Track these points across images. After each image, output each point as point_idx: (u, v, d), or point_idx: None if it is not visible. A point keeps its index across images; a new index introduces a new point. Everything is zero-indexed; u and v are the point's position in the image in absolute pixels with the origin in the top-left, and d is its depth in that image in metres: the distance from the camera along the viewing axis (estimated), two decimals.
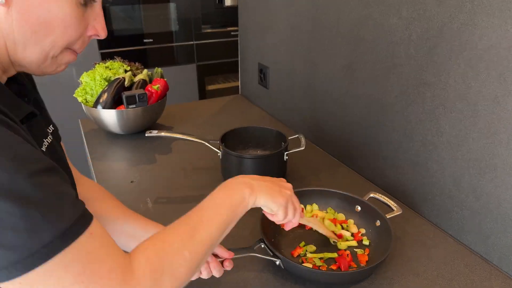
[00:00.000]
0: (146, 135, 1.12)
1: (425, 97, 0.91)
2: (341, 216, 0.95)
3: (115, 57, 1.50)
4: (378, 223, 0.89)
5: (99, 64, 1.43)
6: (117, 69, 1.43)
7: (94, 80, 1.36)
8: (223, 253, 0.74)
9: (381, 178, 1.10)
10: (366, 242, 0.89)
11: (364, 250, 0.87)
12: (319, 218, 0.93)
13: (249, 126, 1.21)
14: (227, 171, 1.11)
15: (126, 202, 1.05)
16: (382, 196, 0.94)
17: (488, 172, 0.81)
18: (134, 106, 1.32)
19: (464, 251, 0.88)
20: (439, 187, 0.93)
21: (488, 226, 0.83)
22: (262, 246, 0.81)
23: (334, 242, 0.89)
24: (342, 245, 0.88)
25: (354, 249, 0.87)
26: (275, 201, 0.66)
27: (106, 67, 1.43)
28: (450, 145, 0.88)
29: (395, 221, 0.96)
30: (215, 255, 0.74)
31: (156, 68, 1.51)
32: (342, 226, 0.93)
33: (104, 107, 1.34)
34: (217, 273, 0.73)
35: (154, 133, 1.12)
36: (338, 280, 0.80)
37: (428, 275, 0.82)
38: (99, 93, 1.36)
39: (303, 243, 0.89)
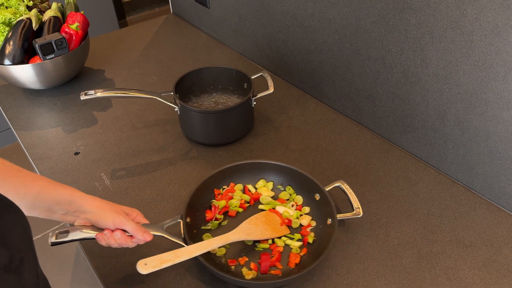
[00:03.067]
0: (81, 98, 0.91)
1: (409, 24, 0.81)
2: (299, 199, 0.83)
3: None
4: (329, 221, 0.75)
5: None
6: (16, 6, 1.10)
7: None
8: (136, 234, 0.65)
9: (354, 111, 1.03)
10: (310, 239, 0.75)
11: (301, 250, 0.74)
12: (266, 200, 0.83)
13: (203, 68, 1.03)
14: (189, 127, 0.97)
15: (77, 182, 0.90)
16: (348, 189, 0.79)
17: (479, 106, 0.77)
18: (53, 56, 1.06)
19: (447, 182, 0.88)
20: (421, 120, 0.88)
21: (473, 157, 0.82)
22: (181, 224, 0.72)
23: (256, 244, 0.76)
24: (279, 241, 0.76)
25: (291, 246, 0.75)
26: None
27: (0, 5, 1.10)
28: (437, 77, 0.81)
29: (373, 155, 0.93)
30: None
31: None
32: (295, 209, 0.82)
33: (13, 62, 1.06)
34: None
35: (91, 94, 0.91)
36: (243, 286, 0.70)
37: (419, 214, 0.81)
38: (0, 43, 1.06)
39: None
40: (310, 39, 1.05)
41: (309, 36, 1.04)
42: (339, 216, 0.74)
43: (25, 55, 1.08)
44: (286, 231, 0.77)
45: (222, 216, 0.80)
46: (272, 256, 0.73)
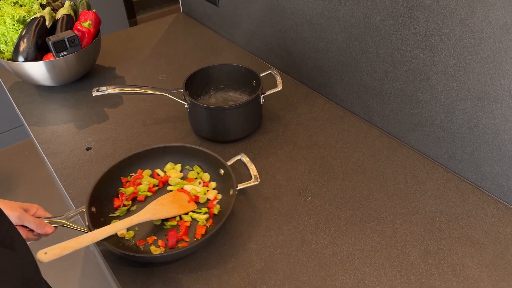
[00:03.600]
0: (93, 94, 0.93)
1: (418, 21, 0.81)
2: (206, 177, 0.87)
3: None
4: (231, 191, 0.80)
5: (4, 0, 1.12)
6: (30, 4, 1.13)
7: (4, 24, 1.07)
8: (37, 228, 0.67)
9: (362, 108, 1.04)
10: (215, 211, 0.80)
11: (207, 222, 0.79)
12: (174, 181, 0.86)
13: (212, 65, 1.04)
14: (198, 123, 0.98)
15: (88, 177, 0.91)
16: (248, 160, 0.85)
17: (487, 103, 0.77)
18: (65, 53, 1.08)
19: (455, 179, 0.88)
20: (430, 118, 0.89)
21: (482, 155, 0.82)
22: (83, 211, 0.74)
23: (163, 223, 0.79)
24: (186, 217, 0.79)
25: (198, 219, 0.79)
26: None
27: (15, 3, 1.12)
28: (445, 75, 0.81)
29: (381, 153, 0.93)
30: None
31: None
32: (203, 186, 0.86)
33: (27, 59, 1.08)
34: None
35: (103, 91, 0.93)
36: (150, 261, 0.73)
37: (427, 212, 0.82)
38: (15, 40, 1.08)
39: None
40: (319, 37, 1.05)
41: (318, 34, 1.05)
42: (240, 186, 0.79)
43: (38, 52, 1.10)
44: (194, 206, 0.81)
45: (130, 202, 0.82)
46: (179, 231, 0.76)
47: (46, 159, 0.98)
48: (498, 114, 0.76)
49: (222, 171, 0.85)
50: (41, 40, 1.10)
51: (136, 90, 0.94)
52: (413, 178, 0.89)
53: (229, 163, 0.84)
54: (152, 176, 0.87)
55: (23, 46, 1.07)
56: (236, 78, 1.05)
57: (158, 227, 0.78)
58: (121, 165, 0.84)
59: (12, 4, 1.12)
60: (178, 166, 0.88)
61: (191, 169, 0.88)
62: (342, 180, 0.89)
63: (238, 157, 0.85)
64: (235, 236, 0.78)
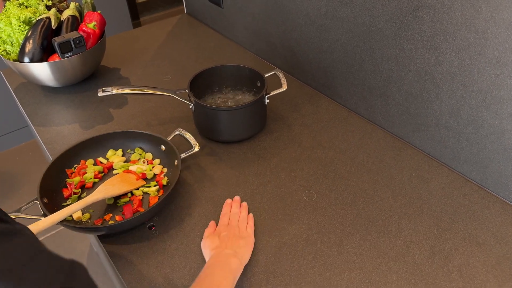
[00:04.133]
0: (99, 94, 0.93)
1: (423, 22, 0.81)
2: (148, 156, 0.92)
3: None
4: (176, 162, 0.85)
5: (9, 1, 1.13)
6: (36, 6, 1.13)
7: (10, 25, 1.08)
8: None
9: (367, 109, 1.04)
10: (164, 182, 0.86)
11: (158, 192, 0.84)
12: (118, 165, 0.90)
13: (217, 66, 1.05)
14: (203, 124, 0.99)
15: None
16: (186, 133, 0.92)
17: (493, 104, 0.77)
18: (71, 54, 1.09)
19: (461, 180, 0.88)
20: (435, 118, 0.89)
21: (487, 156, 0.82)
22: (36, 203, 0.77)
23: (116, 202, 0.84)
24: (137, 192, 0.84)
25: (149, 192, 0.84)
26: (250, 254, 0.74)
27: (21, 5, 1.13)
28: (451, 75, 0.81)
29: (386, 153, 0.93)
30: None
31: None
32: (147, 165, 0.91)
33: (32, 60, 1.09)
34: None
35: (108, 91, 0.93)
36: (111, 230, 0.77)
37: (432, 212, 0.81)
38: (21, 41, 1.09)
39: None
40: (323, 38, 1.05)
41: (322, 35, 1.05)
42: (183, 155, 0.86)
43: (44, 53, 1.11)
44: (142, 182, 0.86)
45: (79, 190, 0.85)
46: (134, 205, 0.81)
47: (51, 160, 0.98)
48: (503, 114, 0.76)
49: (163, 147, 0.90)
50: (46, 41, 1.11)
51: (141, 91, 0.94)
52: (418, 179, 0.89)
53: (169, 138, 0.90)
54: (95, 164, 0.91)
55: (28, 47, 1.08)
56: (240, 78, 1.06)
57: (112, 206, 0.82)
58: (63, 158, 0.87)
59: (18, 5, 1.13)
60: (120, 152, 0.93)
61: (133, 152, 0.93)
62: (347, 180, 0.89)
63: (176, 133, 0.92)
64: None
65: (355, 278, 0.70)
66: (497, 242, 0.75)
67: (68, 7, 1.20)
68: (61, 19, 1.15)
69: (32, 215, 0.74)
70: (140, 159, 0.91)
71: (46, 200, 0.78)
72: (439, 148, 0.91)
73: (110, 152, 0.92)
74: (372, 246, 0.75)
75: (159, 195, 0.83)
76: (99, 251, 0.86)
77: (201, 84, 1.03)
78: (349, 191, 0.86)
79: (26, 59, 1.09)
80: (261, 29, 1.26)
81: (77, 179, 0.86)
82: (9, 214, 0.71)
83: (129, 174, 0.86)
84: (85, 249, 1.80)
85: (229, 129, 0.96)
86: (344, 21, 0.97)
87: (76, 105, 1.14)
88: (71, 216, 0.78)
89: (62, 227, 0.76)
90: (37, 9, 1.14)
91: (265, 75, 1.00)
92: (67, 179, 0.86)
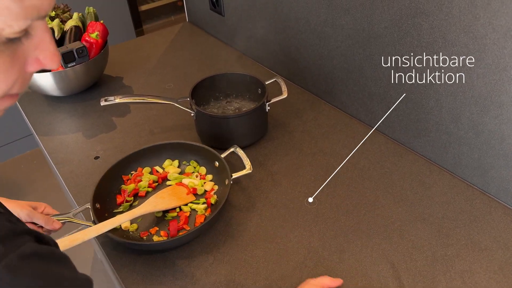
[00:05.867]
0: (101, 104, 0.94)
1: (422, 28, 0.81)
2: (202, 170, 0.91)
3: None
4: (226, 181, 0.84)
5: None
6: None
7: None
8: (45, 224, 0.70)
9: (367, 115, 1.04)
10: (213, 200, 0.84)
11: (206, 211, 0.82)
12: (173, 176, 0.89)
13: (218, 74, 1.06)
14: (205, 131, 0.99)
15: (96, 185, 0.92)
16: (241, 151, 0.88)
17: (493, 109, 0.77)
18: (74, 64, 1.10)
19: (462, 185, 0.88)
20: (435, 124, 0.89)
21: (489, 161, 0.82)
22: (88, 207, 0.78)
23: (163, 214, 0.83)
24: (185, 208, 0.83)
25: (197, 209, 0.83)
26: None
27: None
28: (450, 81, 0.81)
29: (387, 159, 0.93)
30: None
31: (87, 7, 1.24)
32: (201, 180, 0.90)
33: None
34: None
35: (111, 100, 0.94)
36: (154, 248, 0.76)
37: (434, 218, 0.81)
38: None
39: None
40: (323, 45, 1.06)
41: (322, 42, 1.06)
42: (234, 175, 0.83)
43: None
44: (192, 198, 0.84)
45: (132, 198, 0.85)
46: (180, 221, 0.80)
47: (54, 168, 0.99)
48: (503, 119, 0.76)
49: (217, 163, 0.88)
50: None
51: (143, 100, 0.95)
52: (420, 184, 0.89)
53: (223, 155, 0.88)
54: (151, 173, 0.91)
55: None
56: (241, 86, 1.06)
57: (160, 219, 0.82)
58: (121, 164, 0.88)
59: None
60: (176, 162, 0.93)
61: (188, 164, 0.93)
62: (348, 186, 0.89)
63: (231, 150, 0.89)
64: (242, 244, 0.78)
65: (357, 285, 0.70)
66: (499, 248, 0.75)
67: (71, 17, 1.22)
68: (64, 30, 1.17)
69: (82, 220, 0.76)
70: (193, 172, 0.91)
71: (98, 206, 0.79)
72: (440, 154, 0.91)
73: (167, 162, 0.92)
74: (374, 252, 0.75)
75: (206, 214, 0.81)
76: (103, 259, 0.86)
77: (202, 92, 1.04)
78: (350, 197, 0.86)
79: None
80: (262, 36, 1.27)
81: (131, 186, 0.86)
82: (60, 217, 0.73)
83: (180, 188, 0.85)
84: (89, 256, 1.81)
85: (231, 137, 0.97)
86: (343, 28, 0.98)
87: (79, 114, 1.15)
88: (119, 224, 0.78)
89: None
90: None
91: (266, 82, 1.01)
92: (122, 186, 0.87)
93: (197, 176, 0.89)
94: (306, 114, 1.10)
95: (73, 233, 0.69)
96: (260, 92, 1.03)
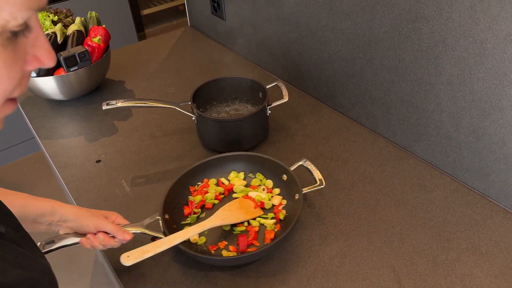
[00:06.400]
0: (103, 108, 0.95)
1: (422, 33, 0.82)
2: (269, 183, 0.88)
3: None
4: (297, 196, 0.81)
5: None
6: (42, 21, 1.16)
7: None
8: (117, 234, 0.70)
9: (368, 119, 1.04)
10: (282, 216, 0.81)
11: (275, 226, 0.80)
12: (239, 189, 0.87)
13: (219, 78, 1.06)
14: (206, 135, 1.00)
15: (98, 189, 0.93)
16: (311, 165, 0.85)
17: (493, 113, 0.77)
18: (76, 68, 1.11)
19: (463, 189, 0.88)
20: (436, 128, 0.89)
21: (489, 165, 0.82)
22: (160, 221, 0.77)
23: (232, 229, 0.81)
24: (254, 222, 0.81)
25: (266, 224, 0.81)
26: None
27: None
28: (451, 85, 0.82)
29: (388, 163, 0.93)
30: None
31: (90, 12, 1.25)
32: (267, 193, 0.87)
33: (39, 74, 1.11)
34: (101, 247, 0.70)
35: (113, 104, 0.95)
36: (224, 263, 0.75)
37: (435, 222, 0.81)
38: None
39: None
40: (324, 49, 1.07)
41: (323, 46, 1.06)
42: (305, 190, 0.80)
43: (50, 68, 1.13)
44: (260, 212, 0.82)
45: (199, 210, 0.84)
46: (249, 236, 0.78)
47: (56, 172, 1.00)
48: (504, 123, 0.76)
49: (285, 176, 0.86)
50: None
51: (145, 103, 0.96)
52: (420, 188, 0.89)
53: (292, 168, 0.85)
54: (217, 184, 0.89)
55: None
56: (242, 90, 1.07)
57: (228, 233, 0.80)
58: (189, 174, 0.87)
59: None
60: (241, 174, 0.91)
61: (254, 176, 0.90)
62: (349, 190, 0.89)
63: (300, 163, 0.86)
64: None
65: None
66: (500, 252, 0.75)
67: (73, 22, 1.22)
68: (67, 34, 1.18)
69: (154, 232, 0.75)
70: (260, 185, 0.88)
71: (167, 217, 0.79)
72: (441, 158, 0.91)
73: (232, 174, 0.90)
74: (374, 256, 0.76)
75: (275, 230, 0.79)
76: (104, 262, 0.86)
77: (204, 96, 1.04)
78: (351, 201, 0.87)
79: (33, 73, 1.11)
80: (263, 41, 1.27)
81: (198, 197, 0.85)
82: (131, 228, 0.72)
83: (248, 201, 0.83)
84: (90, 259, 1.81)
85: (232, 140, 0.97)
86: (344, 33, 0.98)
87: (81, 117, 1.16)
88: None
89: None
90: (44, 24, 1.17)
91: (267, 86, 1.01)
92: (189, 197, 0.86)
93: (264, 189, 0.87)
94: (307, 118, 1.11)
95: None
96: (261, 96, 1.03)
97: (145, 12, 2.78)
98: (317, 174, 0.82)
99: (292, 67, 1.21)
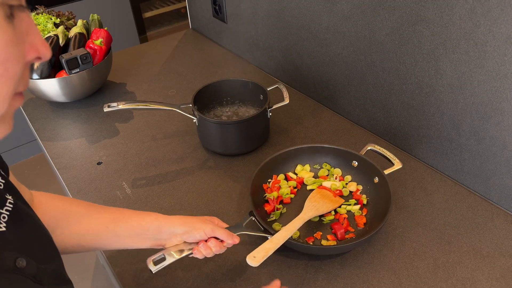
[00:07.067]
0: (105, 110, 0.95)
1: (423, 35, 0.82)
2: (337, 172, 0.90)
3: (37, 7, 1.22)
4: (376, 179, 0.84)
5: None
6: (45, 24, 1.17)
7: None
8: (227, 238, 0.67)
9: (369, 121, 1.04)
10: (364, 200, 0.84)
11: (362, 211, 0.82)
12: (310, 181, 0.89)
13: (220, 80, 1.06)
14: (207, 137, 1.00)
15: (99, 190, 0.93)
16: (381, 148, 0.88)
17: (494, 116, 0.77)
18: (78, 70, 1.11)
19: (464, 192, 0.88)
20: (436, 130, 0.89)
21: (490, 168, 0.82)
22: (253, 219, 0.76)
23: (322, 219, 0.82)
24: (341, 210, 0.83)
25: (353, 210, 0.83)
26: None
27: None
28: (451, 88, 0.82)
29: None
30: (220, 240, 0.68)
31: (92, 15, 1.26)
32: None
33: (41, 76, 1.11)
34: (216, 252, 0.67)
35: (114, 107, 0.95)
36: (335, 251, 0.76)
37: (435, 224, 0.81)
38: None
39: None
40: (324, 52, 1.07)
41: (324, 49, 1.07)
42: (386, 171, 0.81)
43: (52, 70, 1.13)
44: (342, 200, 0.84)
45: (281, 206, 0.85)
46: (343, 223, 0.79)
47: (58, 174, 1.00)
48: (504, 126, 0.76)
49: (355, 163, 0.88)
50: (54, 58, 1.13)
51: (146, 106, 0.96)
52: (421, 191, 0.89)
53: (362, 153, 0.87)
54: (286, 179, 0.90)
55: (37, 63, 1.10)
56: (243, 92, 1.07)
57: (317, 224, 0.81)
58: (260, 173, 0.87)
59: None
60: (307, 166, 0.92)
61: (320, 167, 0.92)
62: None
63: (368, 147, 0.88)
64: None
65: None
66: (501, 255, 0.75)
67: (75, 24, 1.23)
68: (69, 36, 1.18)
69: (259, 232, 0.74)
70: (328, 174, 0.90)
71: (257, 216, 0.78)
72: (442, 160, 0.91)
73: (298, 167, 0.92)
74: (375, 259, 0.75)
75: (363, 214, 0.81)
76: (105, 264, 0.86)
77: (205, 98, 1.04)
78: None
79: (35, 75, 1.11)
80: (264, 43, 1.28)
81: (274, 194, 0.86)
82: (233, 231, 0.69)
83: (326, 191, 0.84)
84: (91, 261, 1.81)
85: (233, 143, 0.98)
86: (345, 36, 0.99)
87: (83, 119, 1.16)
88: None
89: None
90: (46, 27, 1.17)
91: (268, 89, 1.02)
92: (266, 194, 0.86)
93: (336, 178, 0.88)
94: (308, 120, 1.11)
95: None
96: (262, 98, 1.04)
97: (147, 15, 2.79)
98: (391, 156, 0.84)
99: (293, 69, 1.22)
